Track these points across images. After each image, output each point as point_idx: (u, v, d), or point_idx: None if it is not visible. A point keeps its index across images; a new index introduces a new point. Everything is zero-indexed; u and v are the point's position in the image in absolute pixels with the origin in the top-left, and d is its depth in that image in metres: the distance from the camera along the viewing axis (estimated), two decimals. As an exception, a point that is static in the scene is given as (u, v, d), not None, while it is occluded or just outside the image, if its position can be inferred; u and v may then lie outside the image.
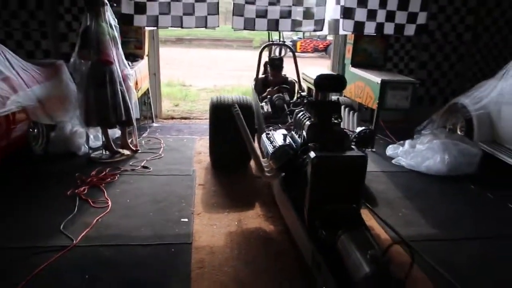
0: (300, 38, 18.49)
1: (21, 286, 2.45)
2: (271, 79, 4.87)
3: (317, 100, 2.99)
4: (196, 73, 12.45)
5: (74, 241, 2.99)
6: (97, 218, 3.33)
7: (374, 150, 5.46)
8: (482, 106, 5.20)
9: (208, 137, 4.68)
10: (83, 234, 3.10)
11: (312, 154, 2.58)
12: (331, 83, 2.92)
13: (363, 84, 5.79)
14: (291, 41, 18.18)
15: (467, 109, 5.35)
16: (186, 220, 3.38)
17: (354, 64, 6.26)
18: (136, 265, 2.75)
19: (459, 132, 5.57)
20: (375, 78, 5.39)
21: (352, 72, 6.23)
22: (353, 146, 2.81)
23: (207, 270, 2.73)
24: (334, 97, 3.27)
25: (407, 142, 5.29)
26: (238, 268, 2.77)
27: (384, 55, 6.42)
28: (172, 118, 7.00)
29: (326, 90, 2.92)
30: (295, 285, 2.62)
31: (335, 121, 2.97)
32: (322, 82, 2.92)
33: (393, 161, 5.02)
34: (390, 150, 5.27)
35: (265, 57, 5.46)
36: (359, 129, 3.06)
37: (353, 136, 3.02)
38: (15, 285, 2.45)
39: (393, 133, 5.93)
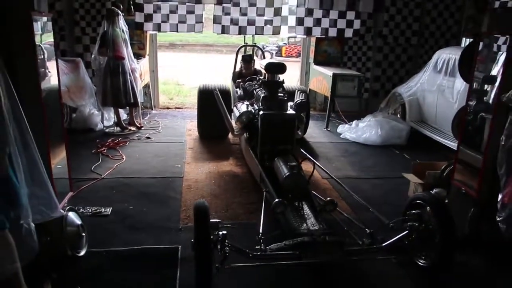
0: (285, 43, 19.80)
1: (72, 195, 3.83)
2: (244, 71, 6.28)
3: (268, 80, 4.41)
4: (189, 74, 13.82)
5: (102, 175, 4.40)
6: (116, 165, 4.75)
7: (329, 129, 6.92)
8: (411, 94, 6.66)
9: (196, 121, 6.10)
10: (107, 172, 4.51)
11: (261, 113, 4.02)
12: (275, 68, 4.34)
13: (322, 77, 7.25)
14: (276, 46, 19.64)
15: (402, 96, 6.81)
16: (179, 166, 4.81)
17: (316, 62, 7.73)
18: (146, 186, 4.19)
19: (398, 115, 7.00)
20: (329, 72, 6.85)
21: (314, 69, 7.70)
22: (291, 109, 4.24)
23: (193, 189, 4.17)
24: (299, 99, 4.64)
25: (354, 122, 6.73)
26: (213, 188, 4.21)
27: (341, 54, 7.88)
28: (168, 108, 8.41)
29: (273, 72, 4.34)
30: (249, 194, 4.06)
31: (281, 94, 4.38)
32: (270, 67, 4.35)
33: (340, 136, 6.46)
34: (339, 128, 6.71)
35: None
36: (297, 99, 4.49)
37: (293, 104, 4.44)
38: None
39: (351, 119, 7.23)
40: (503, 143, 2.87)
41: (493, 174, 3.04)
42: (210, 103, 5.50)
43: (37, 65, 2.32)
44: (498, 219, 2.87)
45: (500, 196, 2.90)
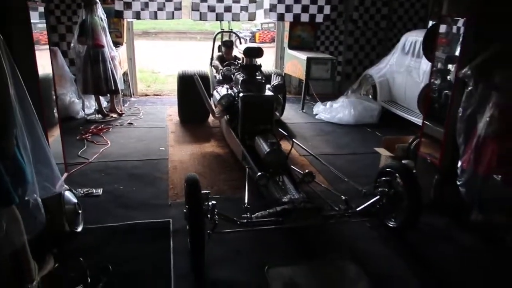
0: (259, 29, 19.97)
1: (66, 176, 4.00)
2: (225, 56, 6.47)
3: (246, 64, 4.63)
4: (164, 62, 13.86)
5: (90, 160, 4.56)
6: (101, 149, 4.92)
7: (304, 111, 7.21)
8: (382, 75, 6.99)
9: (176, 106, 6.29)
10: (94, 157, 4.68)
11: (241, 94, 4.25)
12: (253, 52, 4.56)
13: (296, 61, 7.50)
14: (250, 33, 19.78)
15: (373, 78, 7.14)
16: (163, 148, 5.02)
17: (291, 47, 7.97)
18: (133, 168, 4.38)
19: (370, 96, 7.34)
20: (303, 56, 7.10)
21: (289, 53, 7.94)
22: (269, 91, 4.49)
23: (178, 169, 4.39)
24: (276, 81, 4.87)
25: (328, 103, 7.03)
26: (197, 167, 4.44)
27: (314, 39, 8.14)
28: (146, 95, 8.53)
29: (251, 56, 4.56)
30: (232, 172, 4.32)
31: (259, 77, 4.61)
32: (248, 51, 4.57)
33: (316, 117, 6.75)
34: (315, 109, 7.00)
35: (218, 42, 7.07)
36: (274, 81, 4.74)
37: (271, 86, 4.68)
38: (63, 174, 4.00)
39: (324, 101, 7.51)
40: (460, 114, 3.20)
41: (453, 145, 3.37)
42: (190, 88, 5.69)
43: (34, 52, 2.48)
44: (458, 183, 3.22)
45: (459, 163, 3.25)
